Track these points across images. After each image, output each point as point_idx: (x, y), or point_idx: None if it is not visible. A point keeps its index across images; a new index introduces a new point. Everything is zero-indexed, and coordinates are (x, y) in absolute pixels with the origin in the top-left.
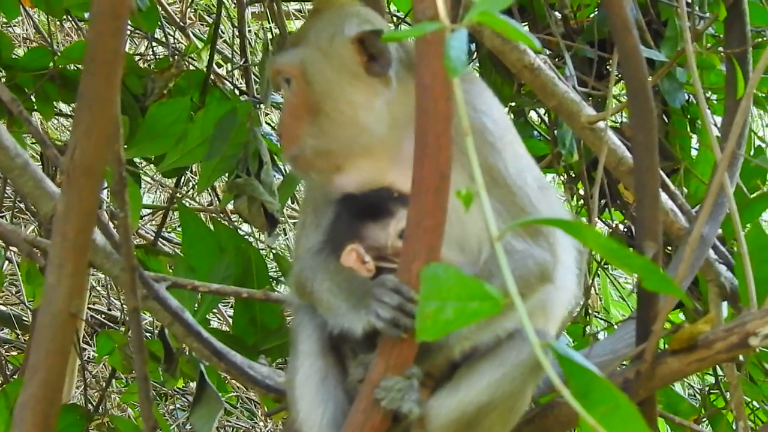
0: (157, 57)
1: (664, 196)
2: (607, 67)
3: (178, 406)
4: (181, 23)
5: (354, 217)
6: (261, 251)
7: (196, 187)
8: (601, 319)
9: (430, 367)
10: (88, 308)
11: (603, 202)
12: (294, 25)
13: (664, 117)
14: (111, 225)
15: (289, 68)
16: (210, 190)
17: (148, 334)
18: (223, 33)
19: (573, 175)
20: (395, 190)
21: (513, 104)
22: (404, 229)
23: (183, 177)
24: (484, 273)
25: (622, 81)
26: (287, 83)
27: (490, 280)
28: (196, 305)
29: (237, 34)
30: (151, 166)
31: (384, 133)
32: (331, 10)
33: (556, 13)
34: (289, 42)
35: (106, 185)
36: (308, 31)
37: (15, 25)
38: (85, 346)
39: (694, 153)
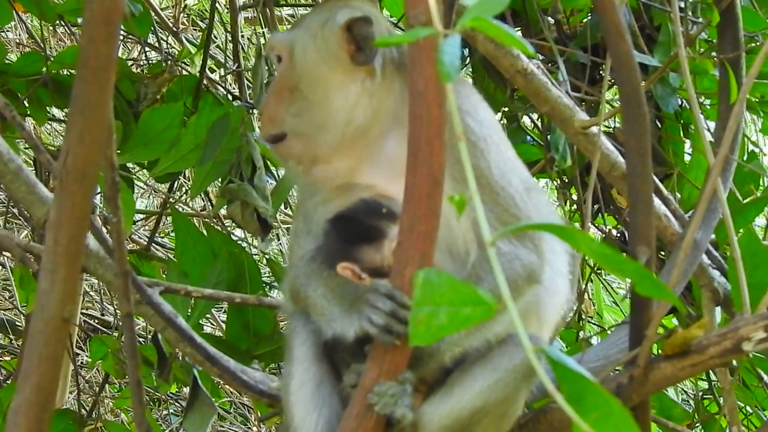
0: (150, 62)
1: (657, 201)
2: (600, 72)
3: (171, 411)
4: (174, 28)
5: (346, 242)
6: (254, 256)
7: (189, 192)
8: (594, 324)
9: (422, 372)
10: (82, 313)
11: (596, 207)
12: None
13: (657, 122)
14: (104, 230)
15: (280, 46)
16: (203, 195)
17: (141, 339)
18: (216, 38)
19: (566, 180)
20: (380, 196)
21: (506, 109)
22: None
23: (176, 182)
24: (472, 277)
25: (615, 86)
26: (279, 62)
27: (479, 284)
28: (189, 310)
29: (230, 39)
30: (144, 171)
31: (362, 125)
32: (331, 2)
33: (549, 18)
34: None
35: (99, 190)
36: (307, 17)
37: (8, 30)
38: (79, 351)
39: (687, 158)
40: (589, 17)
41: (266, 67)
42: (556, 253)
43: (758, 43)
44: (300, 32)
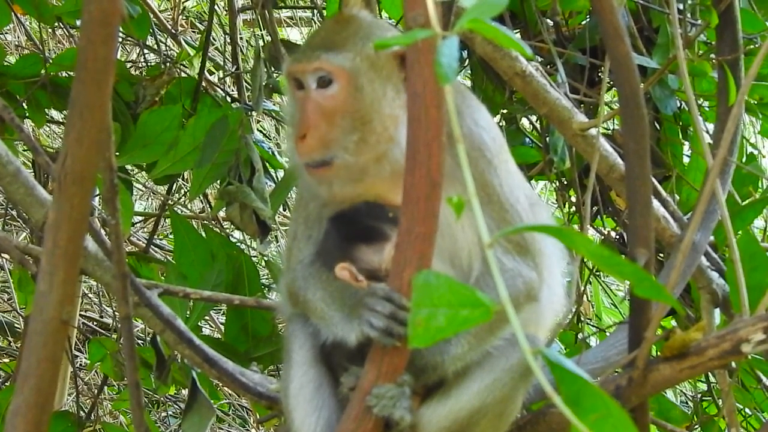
0: (148, 64)
1: (656, 203)
2: (599, 74)
3: (170, 413)
4: (173, 30)
5: (346, 240)
6: (253, 258)
7: (187, 194)
8: (593, 326)
9: (424, 382)
10: (80, 315)
11: (595, 209)
12: (285, 32)
13: (656, 124)
14: (103, 232)
15: (338, 70)
16: (202, 197)
17: (139, 341)
18: (215, 40)
19: (565, 182)
20: (386, 202)
21: (504, 111)
22: None
23: (175, 184)
24: None
25: (613, 88)
26: (321, 84)
27: None
28: (188, 312)
29: (228, 41)
30: (143, 173)
31: None
32: (360, 20)
33: (548, 20)
34: (323, 43)
35: (97, 192)
36: (348, 38)
37: (6, 33)
38: (77, 353)
39: (686, 160)
40: (588, 19)
41: (264, 70)
42: (554, 258)
43: (757, 45)
44: (358, 57)
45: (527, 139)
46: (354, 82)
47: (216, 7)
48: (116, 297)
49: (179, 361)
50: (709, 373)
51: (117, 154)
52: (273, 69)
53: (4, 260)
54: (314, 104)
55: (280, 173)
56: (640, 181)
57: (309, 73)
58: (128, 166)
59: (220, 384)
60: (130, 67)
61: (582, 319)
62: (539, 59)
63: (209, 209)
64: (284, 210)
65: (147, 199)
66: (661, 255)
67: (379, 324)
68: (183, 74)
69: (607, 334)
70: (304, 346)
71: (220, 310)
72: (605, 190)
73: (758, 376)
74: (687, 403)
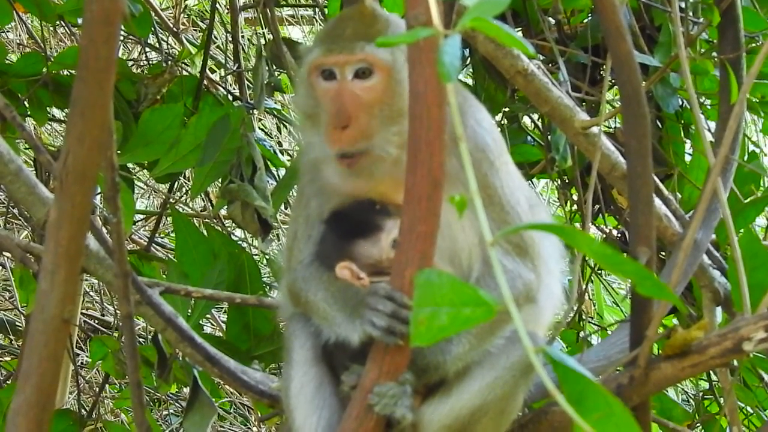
0: (150, 62)
1: (657, 202)
2: (601, 72)
3: (171, 411)
4: (175, 29)
5: (342, 239)
6: (254, 257)
7: (189, 192)
8: (594, 324)
9: (426, 382)
10: (82, 314)
11: (597, 207)
12: (287, 30)
13: (658, 122)
14: (104, 230)
15: (381, 63)
16: (203, 196)
17: (141, 340)
18: (217, 38)
19: (566, 181)
20: (386, 201)
21: (506, 110)
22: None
23: (176, 182)
24: None
25: (615, 86)
26: (359, 75)
27: None
28: (190, 311)
29: (230, 39)
30: (145, 171)
31: None
32: (384, 13)
33: (550, 18)
34: (362, 35)
35: (99, 191)
36: (382, 31)
37: (8, 31)
38: (79, 352)
39: (687, 158)
40: (590, 17)
41: (266, 68)
42: (553, 258)
43: (759, 44)
44: (398, 51)
45: (529, 138)
46: (395, 75)
47: (217, 5)
48: (118, 295)
49: (181, 359)
50: (711, 372)
51: (118, 152)
52: (275, 67)
53: (6, 258)
54: (351, 95)
55: (282, 171)
56: (641, 179)
57: (350, 65)
58: (130, 165)
59: (222, 382)
60: (132, 65)
61: (583, 317)
62: (541, 58)
63: (211, 207)
64: (286, 208)
65: (148, 197)
66: (663, 253)
67: (381, 323)
68: (184, 73)
69: (609, 332)
70: (305, 346)
71: (222, 308)
72: (607, 189)
73: (760, 375)
74: (689, 401)
